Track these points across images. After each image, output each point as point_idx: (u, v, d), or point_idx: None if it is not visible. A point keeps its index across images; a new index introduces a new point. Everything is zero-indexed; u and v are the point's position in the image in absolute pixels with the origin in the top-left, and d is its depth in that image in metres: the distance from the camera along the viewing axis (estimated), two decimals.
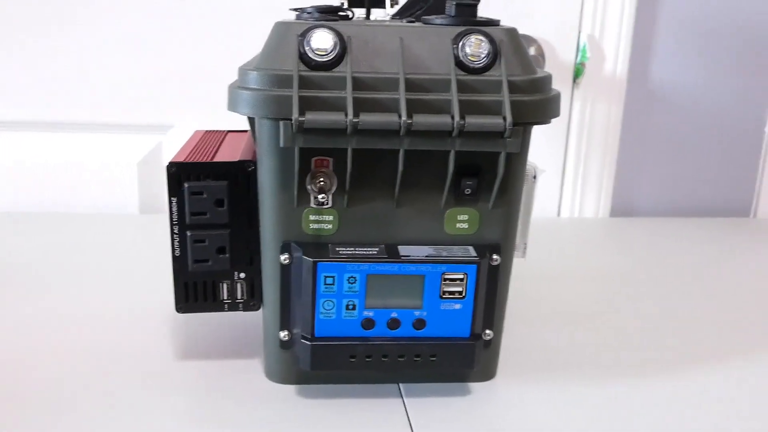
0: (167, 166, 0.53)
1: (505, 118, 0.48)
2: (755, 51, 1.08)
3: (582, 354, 0.64)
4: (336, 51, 0.49)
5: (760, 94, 1.10)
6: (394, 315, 0.52)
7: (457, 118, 0.48)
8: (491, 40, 0.50)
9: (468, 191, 0.52)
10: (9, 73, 0.98)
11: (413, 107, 0.48)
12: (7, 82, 0.98)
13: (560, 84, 1.04)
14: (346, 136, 0.48)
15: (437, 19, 0.52)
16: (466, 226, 0.53)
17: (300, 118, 0.47)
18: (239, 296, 0.56)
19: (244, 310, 0.56)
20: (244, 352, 0.61)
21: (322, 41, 0.49)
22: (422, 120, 0.48)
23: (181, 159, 0.54)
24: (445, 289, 0.51)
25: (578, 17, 1.04)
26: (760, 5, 1.06)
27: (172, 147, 1.02)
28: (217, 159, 0.54)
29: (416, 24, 0.53)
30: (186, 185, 0.53)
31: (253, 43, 0.86)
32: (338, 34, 0.49)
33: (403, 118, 0.47)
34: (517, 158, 0.52)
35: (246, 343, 0.62)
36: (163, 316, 0.67)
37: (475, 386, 0.57)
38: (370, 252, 0.51)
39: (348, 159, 0.49)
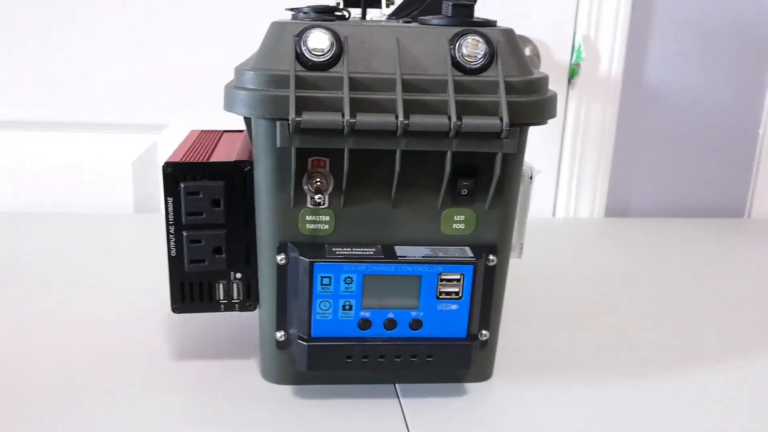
0: (163, 166, 0.52)
1: (501, 119, 0.48)
2: (750, 52, 1.09)
3: (578, 354, 0.64)
4: (333, 51, 0.49)
5: (755, 95, 1.11)
6: (390, 315, 0.52)
7: (453, 118, 0.48)
8: (488, 41, 0.50)
9: (465, 192, 0.52)
10: (3, 73, 0.98)
11: (410, 108, 0.48)
12: (2, 82, 0.98)
13: (555, 84, 1.04)
14: (342, 137, 0.48)
15: (434, 20, 0.52)
16: (463, 227, 0.53)
17: (297, 119, 0.47)
18: (235, 296, 0.56)
19: (241, 310, 0.56)
20: (240, 353, 0.61)
21: (319, 41, 0.49)
22: (419, 120, 0.48)
23: (177, 159, 0.54)
24: (442, 290, 0.51)
25: (573, 18, 1.04)
26: (755, 6, 1.07)
27: (167, 146, 1.02)
28: (213, 159, 0.54)
29: (413, 24, 0.53)
30: (182, 185, 0.53)
31: (248, 43, 0.86)
32: (335, 35, 0.49)
33: (400, 118, 0.47)
34: (514, 159, 0.52)
35: (242, 344, 0.62)
36: (159, 317, 0.67)
37: (471, 387, 0.57)
38: (367, 252, 0.51)
39: (345, 159, 0.49)
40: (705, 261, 0.91)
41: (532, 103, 0.50)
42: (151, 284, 0.74)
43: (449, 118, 0.48)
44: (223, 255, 0.54)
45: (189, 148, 0.58)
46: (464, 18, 0.52)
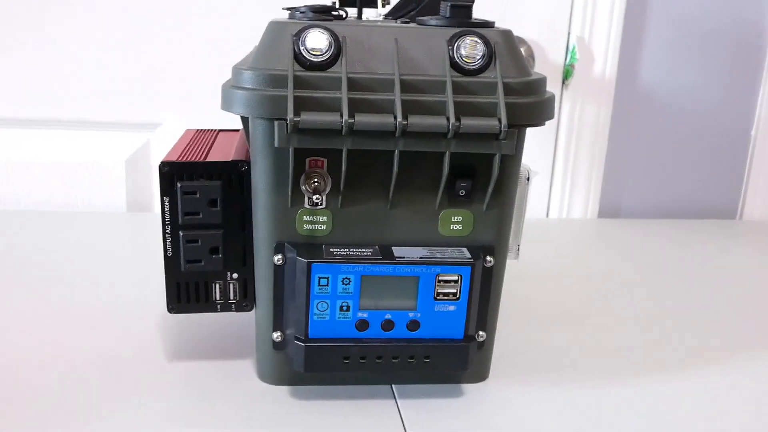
0: (160, 165, 0.52)
1: (500, 120, 0.48)
2: (743, 54, 1.09)
3: (573, 355, 0.64)
4: (331, 51, 0.49)
5: (748, 97, 1.11)
6: (388, 316, 0.51)
7: (452, 119, 0.48)
8: (486, 42, 0.50)
9: (462, 193, 0.52)
10: None
11: (408, 108, 0.48)
12: None
13: (549, 85, 1.03)
14: (341, 137, 0.48)
15: (432, 20, 0.52)
16: (460, 228, 0.53)
17: (295, 119, 0.47)
18: (232, 297, 0.55)
19: (237, 310, 0.56)
20: (236, 353, 0.61)
21: (317, 41, 0.49)
22: (418, 121, 0.48)
23: (173, 158, 0.53)
24: (440, 291, 0.51)
25: (567, 19, 1.04)
26: (748, 8, 1.07)
27: (161, 145, 1.01)
28: (209, 158, 0.54)
29: (411, 25, 0.53)
30: (179, 185, 0.52)
31: (242, 42, 0.86)
32: (333, 34, 0.49)
33: (399, 119, 0.47)
34: (512, 160, 0.52)
35: (238, 344, 0.62)
36: (154, 317, 0.67)
37: (467, 387, 0.57)
38: (365, 253, 0.51)
39: (343, 160, 0.49)
40: (697, 262, 0.91)
41: (531, 105, 0.50)
42: (146, 284, 0.74)
43: (448, 119, 0.48)
44: (220, 255, 0.54)
45: (185, 148, 0.58)
46: (462, 19, 0.52)
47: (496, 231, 0.54)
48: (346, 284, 0.51)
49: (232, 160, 0.53)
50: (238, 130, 0.68)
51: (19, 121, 0.99)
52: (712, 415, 0.55)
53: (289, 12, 0.56)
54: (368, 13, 0.62)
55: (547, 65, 1.04)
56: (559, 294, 0.78)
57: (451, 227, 0.53)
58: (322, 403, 0.54)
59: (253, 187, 0.52)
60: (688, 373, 0.62)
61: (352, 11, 0.60)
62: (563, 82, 1.06)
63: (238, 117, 0.51)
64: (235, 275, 0.55)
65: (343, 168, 0.49)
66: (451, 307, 0.52)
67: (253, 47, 0.62)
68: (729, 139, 1.13)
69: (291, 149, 0.48)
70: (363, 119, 0.47)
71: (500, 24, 0.53)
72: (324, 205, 0.52)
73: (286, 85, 0.48)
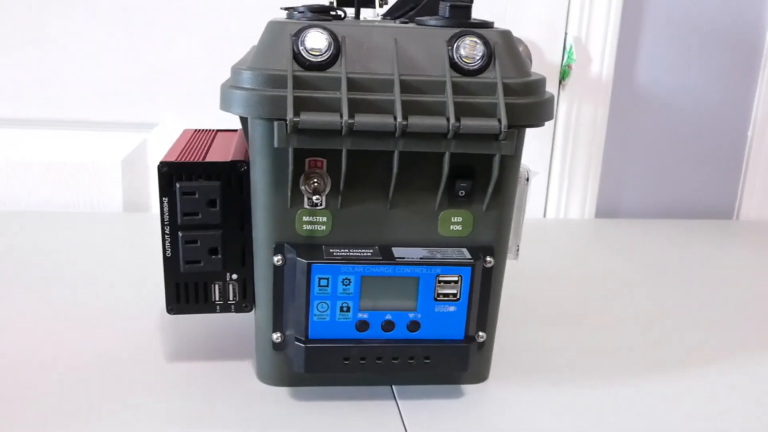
0: (159, 165, 0.52)
1: (500, 121, 0.48)
2: (740, 54, 1.09)
3: (573, 355, 0.64)
4: (330, 51, 0.49)
5: (745, 98, 1.12)
6: (388, 317, 0.51)
7: (452, 120, 0.48)
8: (486, 42, 0.50)
9: (462, 193, 0.52)
10: None
11: (408, 109, 0.48)
12: None
13: (547, 86, 1.04)
14: (341, 137, 0.48)
15: (431, 20, 0.52)
16: (460, 228, 0.53)
17: (295, 119, 0.47)
18: (231, 297, 0.55)
19: (236, 311, 0.56)
20: (236, 354, 0.61)
21: (317, 41, 0.49)
22: (418, 122, 0.48)
23: (172, 158, 0.53)
24: (440, 292, 0.51)
25: (564, 19, 1.04)
26: (745, 9, 1.07)
27: (157, 145, 1.01)
28: (208, 159, 0.54)
29: (410, 25, 0.53)
30: (178, 185, 0.52)
31: (239, 42, 0.86)
32: (332, 35, 0.49)
33: (399, 119, 0.47)
34: (511, 160, 0.52)
35: (237, 345, 0.62)
36: (153, 317, 0.67)
37: (467, 388, 0.57)
38: (365, 253, 0.51)
39: (342, 160, 0.49)
40: (694, 262, 0.92)
41: (530, 105, 0.50)
42: (146, 284, 0.74)
43: (447, 119, 0.48)
44: (219, 256, 0.54)
45: (184, 148, 0.58)
46: (462, 19, 0.52)
47: (496, 231, 0.54)
48: (346, 285, 0.50)
49: (231, 161, 0.53)
50: (236, 130, 0.68)
51: (16, 121, 0.98)
52: (711, 415, 0.56)
53: (288, 12, 0.56)
54: (365, 13, 0.62)
55: (544, 65, 1.04)
56: (558, 294, 0.78)
57: (451, 228, 0.53)
58: (321, 404, 0.54)
59: (252, 187, 0.52)
60: (688, 372, 0.62)
61: (351, 11, 0.60)
62: (560, 83, 1.06)
63: (236, 117, 0.51)
64: (234, 276, 0.55)
65: (343, 168, 0.49)
66: (452, 308, 0.52)
67: (251, 47, 0.62)
68: (726, 140, 1.13)
69: (290, 149, 0.48)
70: (363, 120, 0.47)
71: (497, 24, 0.53)
72: (324, 206, 0.52)
73: (286, 85, 0.48)
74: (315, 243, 0.52)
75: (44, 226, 0.91)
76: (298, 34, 0.49)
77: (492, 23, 0.52)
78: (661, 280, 0.84)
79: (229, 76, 0.51)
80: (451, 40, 0.50)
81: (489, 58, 0.50)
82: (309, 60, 0.49)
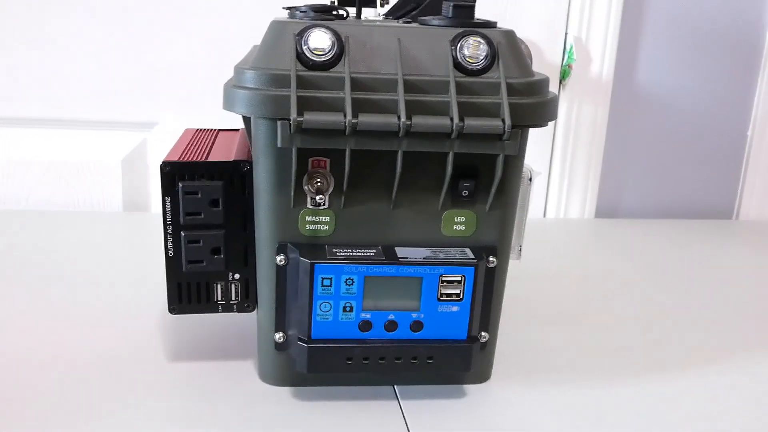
0: (161, 165, 0.52)
1: (503, 121, 0.48)
2: (740, 54, 1.10)
3: (574, 355, 0.64)
4: (334, 51, 0.49)
5: (745, 97, 1.12)
6: (391, 317, 0.51)
7: (456, 120, 0.48)
8: (489, 42, 0.50)
9: (465, 193, 0.52)
10: None
11: (412, 109, 0.48)
12: None
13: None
14: (344, 137, 0.48)
15: (434, 20, 0.52)
16: (463, 228, 0.53)
17: (298, 119, 0.47)
18: (233, 297, 0.55)
19: (239, 311, 0.56)
20: (238, 354, 0.60)
21: (320, 41, 0.49)
22: (421, 122, 0.48)
23: (175, 158, 0.53)
24: (443, 292, 0.51)
25: (565, 19, 1.04)
26: (745, 9, 1.08)
27: (158, 144, 1.01)
28: (211, 158, 0.54)
29: (413, 25, 0.52)
30: (180, 185, 0.52)
31: (239, 41, 0.86)
32: (336, 34, 0.49)
33: (402, 119, 0.47)
34: (515, 160, 0.52)
35: (240, 345, 0.62)
36: (155, 317, 0.67)
37: (470, 388, 0.57)
38: (368, 253, 0.51)
39: (346, 160, 0.49)
40: (694, 261, 0.92)
41: (533, 105, 0.50)
42: (144, 284, 0.74)
43: (451, 119, 0.48)
44: (222, 255, 0.54)
45: (186, 148, 0.57)
46: (465, 19, 0.52)
47: (499, 231, 0.53)
48: (349, 285, 0.50)
49: (233, 160, 0.53)
50: (237, 130, 0.67)
51: (15, 120, 0.98)
52: (711, 415, 0.56)
53: (289, 11, 0.56)
54: (367, 13, 0.61)
55: (544, 65, 1.04)
56: (558, 294, 0.78)
57: (454, 228, 0.53)
58: (324, 404, 0.54)
59: (255, 187, 0.52)
60: (688, 372, 0.62)
61: (352, 11, 0.60)
62: (560, 83, 1.06)
63: (237, 116, 0.51)
64: (236, 276, 0.55)
65: (347, 168, 0.49)
66: (455, 308, 0.52)
67: (252, 47, 0.62)
68: (725, 140, 1.13)
69: (294, 149, 0.48)
70: (366, 119, 0.47)
71: (498, 24, 0.53)
72: (327, 206, 0.52)
73: (289, 84, 0.48)
74: (318, 243, 0.52)
75: (44, 226, 0.91)
76: (302, 34, 0.49)
77: (495, 23, 0.52)
78: (661, 280, 0.84)
79: (229, 76, 0.51)
80: (455, 40, 0.50)
81: (492, 58, 0.50)
82: (312, 60, 0.49)
